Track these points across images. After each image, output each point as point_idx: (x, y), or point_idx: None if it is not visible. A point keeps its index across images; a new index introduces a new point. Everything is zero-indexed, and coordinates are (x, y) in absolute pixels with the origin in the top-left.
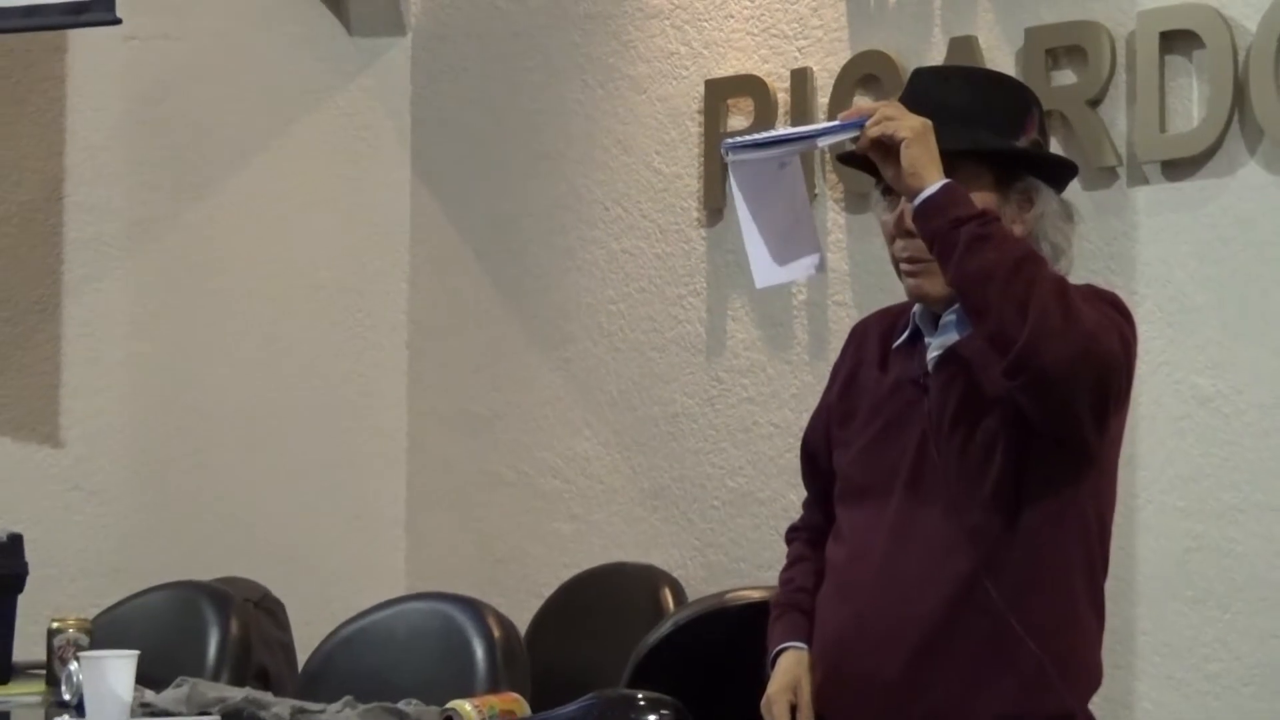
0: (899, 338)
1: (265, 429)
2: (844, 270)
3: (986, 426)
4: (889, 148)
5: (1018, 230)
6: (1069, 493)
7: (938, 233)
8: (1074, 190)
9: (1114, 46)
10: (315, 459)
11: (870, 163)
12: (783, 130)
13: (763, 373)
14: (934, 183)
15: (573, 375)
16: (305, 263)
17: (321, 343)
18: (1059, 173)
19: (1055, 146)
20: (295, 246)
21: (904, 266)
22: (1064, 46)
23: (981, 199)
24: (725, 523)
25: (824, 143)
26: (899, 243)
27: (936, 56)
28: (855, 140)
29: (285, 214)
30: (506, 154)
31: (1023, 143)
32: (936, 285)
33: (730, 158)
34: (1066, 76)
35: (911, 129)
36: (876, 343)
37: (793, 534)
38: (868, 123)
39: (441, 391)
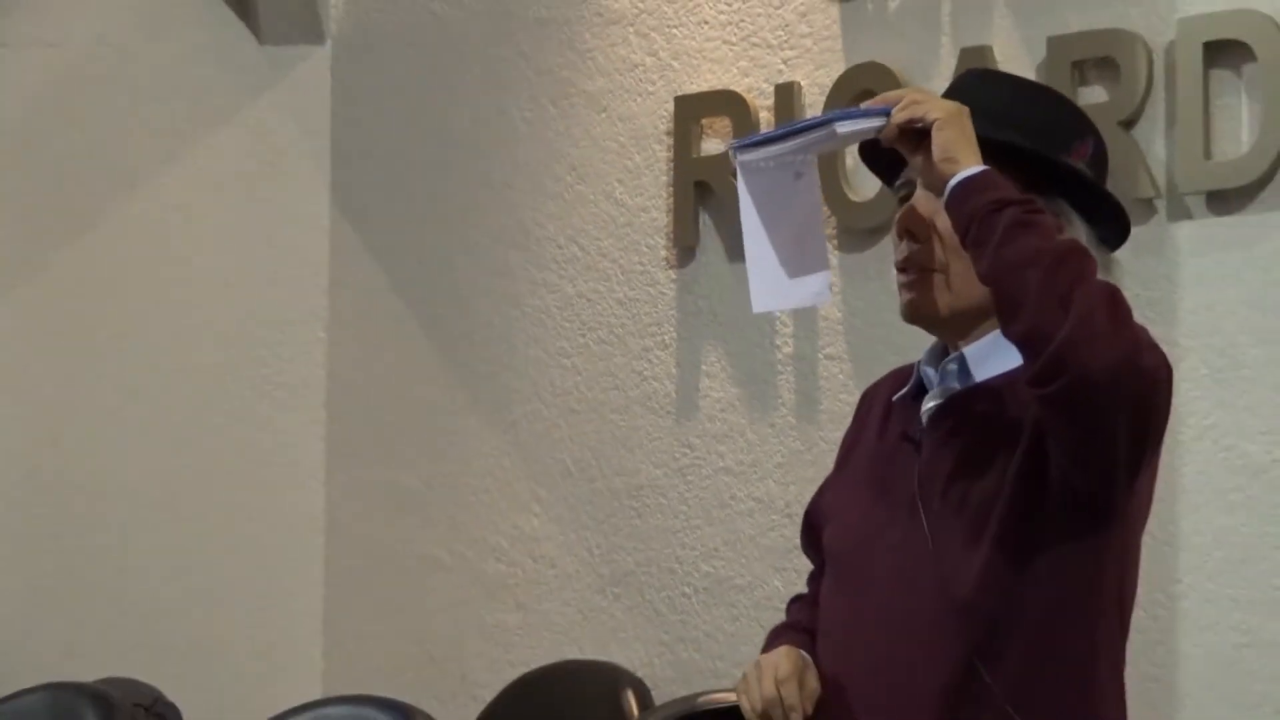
0: (902, 392)
1: (158, 505)
2: (836, 318)
3: (985, 486)
4: (919, 135)
5: None
6: (1084, 565)
7: (975, 214)
8: None
9: (1151, 59)
10: (217, 540)
11: (890, 167)
12: (794, 122)
13: (742, 438)
14: (971, 166)
15: (519, 441)
16: (205, 311)
17: (224, 405)
18: (1104, 216)
19: None
20: (193, 292)
21: (899, 277)
22: (1093, 59)
23: None
24: (698, 614)
25: (844, 129)
26: (901, 246)
27: (944, 70)
28: (880, 131)
29: (181, 253)
30: (442, 183)
31: (1067, 162)
32: (936, 299)
33: (738, 159)
34: (1096, 94)
35: (945, 110)
36: (882, 403)
37: (795, 601)
38: (894, 109)
39: (365, 461)
